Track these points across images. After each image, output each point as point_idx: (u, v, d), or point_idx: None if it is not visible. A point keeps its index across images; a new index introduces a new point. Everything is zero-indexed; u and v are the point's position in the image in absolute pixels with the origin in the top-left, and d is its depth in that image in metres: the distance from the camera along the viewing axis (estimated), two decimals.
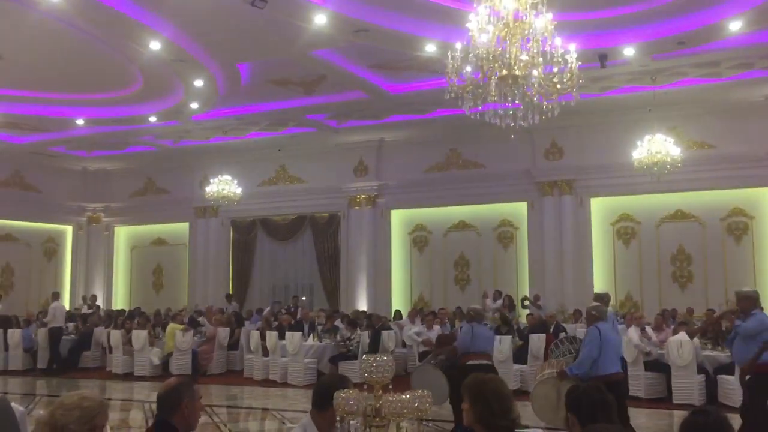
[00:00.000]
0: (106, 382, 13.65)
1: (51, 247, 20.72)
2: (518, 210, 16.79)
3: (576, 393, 3.52)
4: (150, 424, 8.87)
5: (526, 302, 15.36)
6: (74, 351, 15.39)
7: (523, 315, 15.05)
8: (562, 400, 7.16)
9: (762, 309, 7.32)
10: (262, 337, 13.49)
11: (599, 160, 15.52)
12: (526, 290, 16.15)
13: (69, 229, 21.20)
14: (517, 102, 6.72)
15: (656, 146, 12.54)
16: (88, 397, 2.95)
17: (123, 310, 18.29)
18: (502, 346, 11.18)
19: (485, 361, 8.06)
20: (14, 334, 15.09)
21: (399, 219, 18.14)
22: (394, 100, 14.31)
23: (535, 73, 6.47)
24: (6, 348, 15.10)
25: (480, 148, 16.80)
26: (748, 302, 7.10)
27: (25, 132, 16.83)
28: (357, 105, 14.66)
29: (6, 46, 11.52)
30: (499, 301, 15.67)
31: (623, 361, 8.35)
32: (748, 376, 6.94)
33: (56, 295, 16.20)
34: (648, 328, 11.21)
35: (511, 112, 6.85)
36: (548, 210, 16.22)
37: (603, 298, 8.39)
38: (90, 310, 17.78)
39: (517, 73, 6.40)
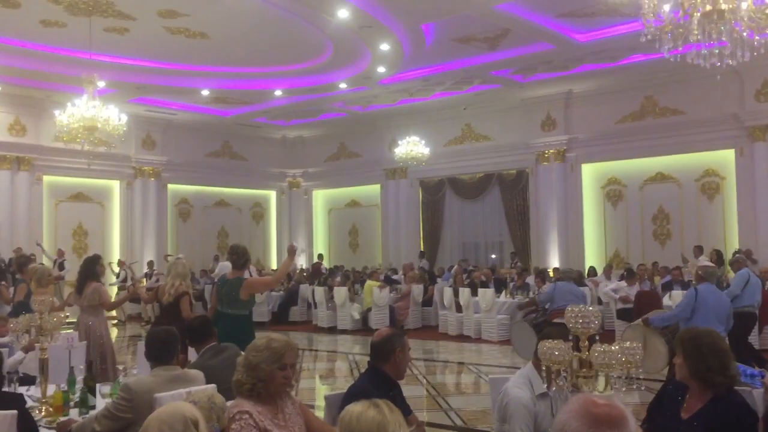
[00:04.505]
0: (312, 335, 14.69)
1: (258, 212, 22.43)
2: (724, 158, 15.46)
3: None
4: (355, 374, 9.44)
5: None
6: (283, 306, 16.73)
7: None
8: (647, 347, 7.07)
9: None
10: (455, 294, 13.76)
11: None
12: (735, 244, 14.93)
13: (273, 194, 22.84)
14: (723, 39, 6.17)
15: None
16: (275, 339, 3.22)
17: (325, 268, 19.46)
18: None
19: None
20: None
21: (590, 173, 17.46)
22: (582, 49, 13.69)
23: (744, 5, 5.88)
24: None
25: (679, 93, 15.63)
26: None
27: (231, 106, 18.32)
28: (543, 57, 14.20)
29: (211, 26, 12.53)
30: (702, 257, 14.65)
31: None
32: None
33: (217, 258, 18.77)
34: None
35: (717, 51, 6.29)
36: (760, 156, 14.77)
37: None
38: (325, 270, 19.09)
39: (724, 7, 5.87)
